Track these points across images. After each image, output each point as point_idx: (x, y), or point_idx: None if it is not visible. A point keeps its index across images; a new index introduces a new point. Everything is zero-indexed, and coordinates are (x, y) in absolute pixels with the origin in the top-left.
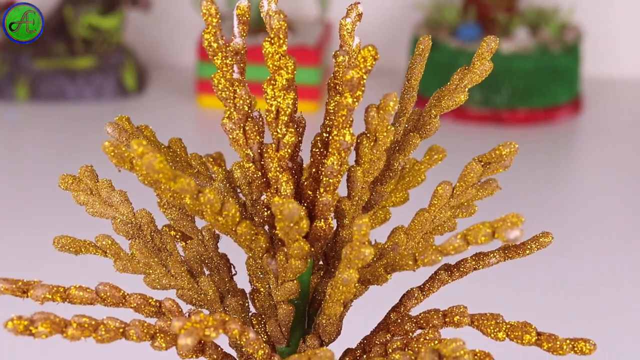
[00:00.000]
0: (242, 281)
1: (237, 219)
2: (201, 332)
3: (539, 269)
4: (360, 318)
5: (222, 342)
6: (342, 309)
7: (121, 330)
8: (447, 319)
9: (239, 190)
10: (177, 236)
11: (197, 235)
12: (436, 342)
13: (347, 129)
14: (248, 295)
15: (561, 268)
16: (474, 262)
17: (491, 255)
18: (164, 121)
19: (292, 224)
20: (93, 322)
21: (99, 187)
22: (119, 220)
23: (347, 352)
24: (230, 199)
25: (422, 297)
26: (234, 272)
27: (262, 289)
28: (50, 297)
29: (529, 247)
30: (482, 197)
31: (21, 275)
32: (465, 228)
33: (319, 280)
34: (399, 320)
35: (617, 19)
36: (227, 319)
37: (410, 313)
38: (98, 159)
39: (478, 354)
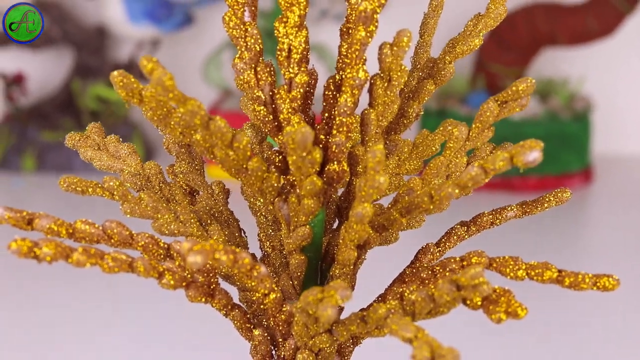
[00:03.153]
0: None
1: (249, 153)
2: (211, 255)
3: (551, 333)
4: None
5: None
6: (355, 254)
7: (128, 262)
8: (464, 263)
9: None
10: (187, 200)
11: (207, 189)
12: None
13: (360, 65)
14: (259, 260)
15: (572, 332)
16: (490, 217)
17: (509, 209)
18: None
19: (304, 154)
20: (99, 252)
21: (107, 142)
22: (127, 172)
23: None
24: (241, 131)
25: (437, 254)
26: (243, 235)
27: (272, 253)
28: (55, 228)
29: (547, 200)
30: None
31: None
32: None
33: (331, 235)
34: (414, 271)
35: (626, 96)
36: (238, 250)
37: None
38: None
39: (497, 290)
